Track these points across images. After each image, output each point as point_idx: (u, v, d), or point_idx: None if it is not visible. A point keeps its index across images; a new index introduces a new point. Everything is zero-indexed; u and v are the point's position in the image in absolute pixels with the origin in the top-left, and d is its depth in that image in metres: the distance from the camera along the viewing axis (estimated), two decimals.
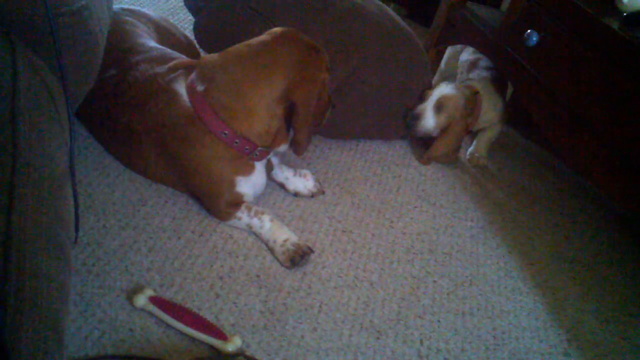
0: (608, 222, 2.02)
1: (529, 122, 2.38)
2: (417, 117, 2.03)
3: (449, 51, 2.63)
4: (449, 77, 2.51)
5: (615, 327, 1.57)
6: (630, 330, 1.57)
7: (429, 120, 2.03)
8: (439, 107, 2.03)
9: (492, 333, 1.45)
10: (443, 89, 2.05)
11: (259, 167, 1.56)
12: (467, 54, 2.45)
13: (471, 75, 2.30)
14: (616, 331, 1.55)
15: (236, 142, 1.46)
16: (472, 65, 2.37)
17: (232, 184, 1.52)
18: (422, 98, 2.08)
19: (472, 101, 2.08)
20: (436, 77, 2.61)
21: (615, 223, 2.02)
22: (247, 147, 1.48)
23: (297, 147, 1.54)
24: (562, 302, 1.61)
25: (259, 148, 1.49)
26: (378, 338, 1.35)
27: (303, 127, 1.48)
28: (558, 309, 1.58)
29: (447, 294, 1.53)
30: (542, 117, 1.85)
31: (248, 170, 1.53)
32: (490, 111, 2.16)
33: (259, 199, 1.64)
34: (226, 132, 1.44)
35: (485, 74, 2.26)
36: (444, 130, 2.05)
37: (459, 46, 2.56)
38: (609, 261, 1.82)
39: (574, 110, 1.70)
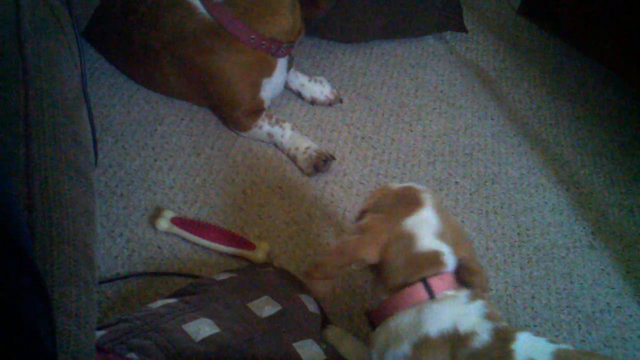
0: (632, 113, 1.97)
1: (549, 16, 2.29)
2: None
3: None
4: None
5: None
6: None
7: None
8: None
9: (517, 230, 1.46)
10: None
11: (281, 63, 1.56)
12: None
13: None
14: None
15: (262, 44, 1.46)
16: None
17: (258, 88, 1.51)
18: None
19: None
20: None
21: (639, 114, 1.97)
22: (273, 46, 1.48)
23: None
24: (586, 196, 1.60)
25: (284, 45, 1.50)
26: None
27: None
28: (582, 203, 1.57)
29: (470, 194, 1.53)
30: (563, 9, 1.78)
31: (271, 69, 1.53)
32: None
33: (277, 109, 1.62)
34: (252, 36, 1.44)
35: None
36: None
37: None
38: (634, 152, 1.78)
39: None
